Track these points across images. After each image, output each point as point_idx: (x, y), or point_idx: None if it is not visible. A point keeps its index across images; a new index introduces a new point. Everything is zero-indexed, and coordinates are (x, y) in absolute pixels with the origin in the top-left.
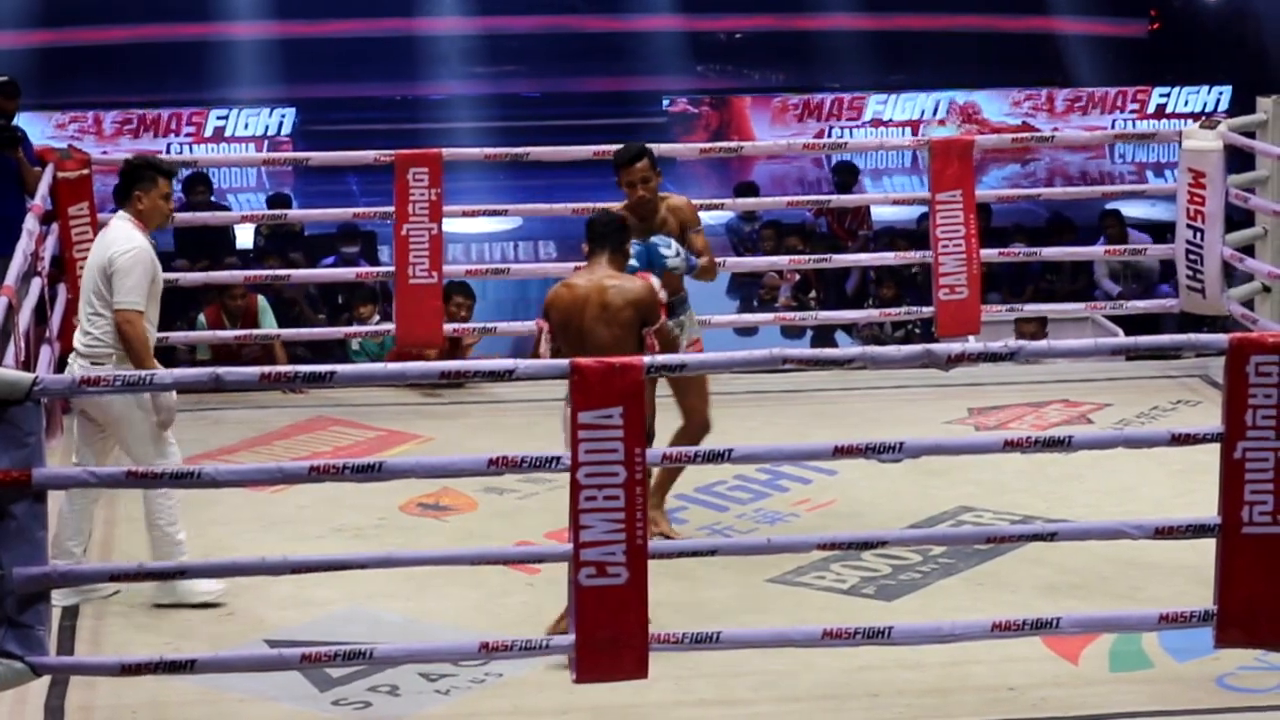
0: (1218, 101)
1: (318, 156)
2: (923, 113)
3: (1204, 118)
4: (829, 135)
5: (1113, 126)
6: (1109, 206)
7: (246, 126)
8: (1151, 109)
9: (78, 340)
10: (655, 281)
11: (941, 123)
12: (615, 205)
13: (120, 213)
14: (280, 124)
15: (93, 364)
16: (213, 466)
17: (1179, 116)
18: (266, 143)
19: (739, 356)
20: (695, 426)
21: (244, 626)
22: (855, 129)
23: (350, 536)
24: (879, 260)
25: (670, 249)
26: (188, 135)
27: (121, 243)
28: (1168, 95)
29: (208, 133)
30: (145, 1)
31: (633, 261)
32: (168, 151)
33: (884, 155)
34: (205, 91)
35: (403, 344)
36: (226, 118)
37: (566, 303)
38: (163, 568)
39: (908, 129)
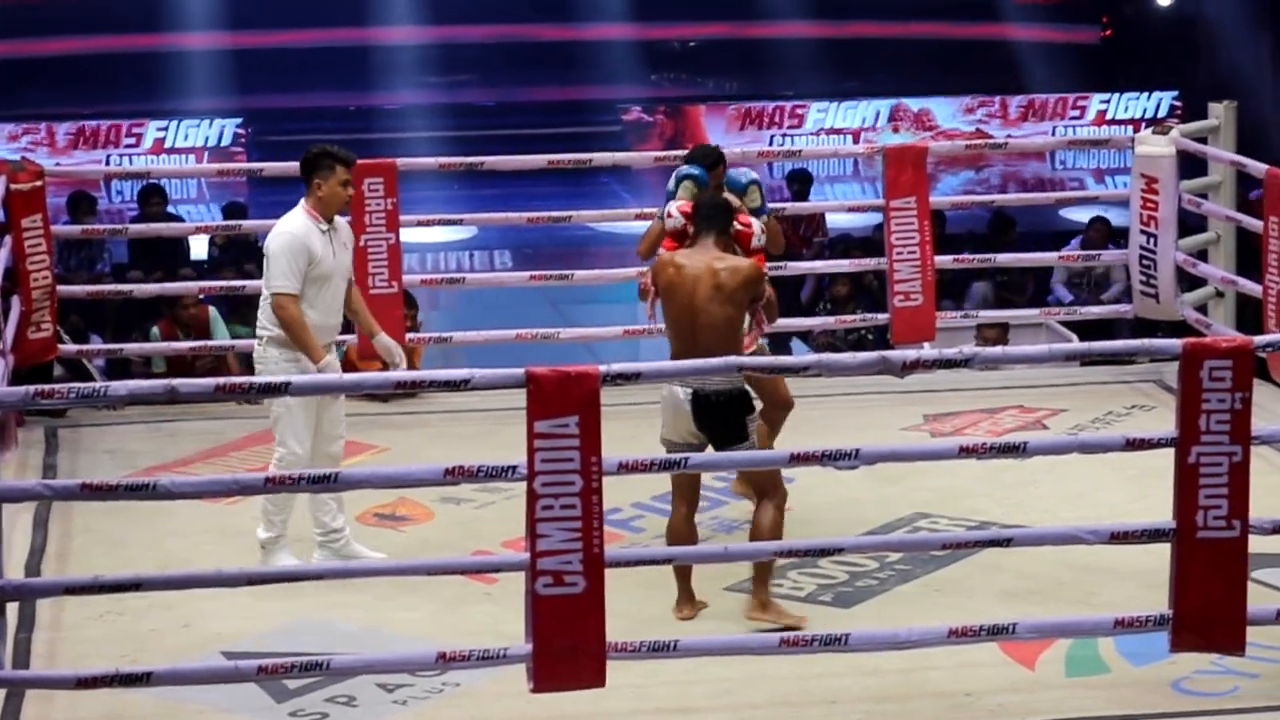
0: (1158, 107)
1: (271, 167)
2: (864, 120)
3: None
4: (771, 144)
5: (1053, 133)
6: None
7: (186, 138)
8: (1092, 115)
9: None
10: (756, 226)
11: (895, 129)
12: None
13: (302, 201)
14: (221, 135)
15: (258, 342)
16: (168, 478)
17: (1120, 123)
18: (207, 154)
19: (697, 364)
20: (777, 407)
21: (201, 638)
22: (799, 137)
23: (307, 547)
24: (833, 267)
25: (748, 173)
26: (127, 147)
27: (277, 229)
28: (1108, 101)
29: (147, 144)
30: (98, 12)
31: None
32: (107, 163)
33: (828, 162)
34: (158, 102)
35: (365, 355)
36: (166, 129)
37: (673, 279)
38: (118, 580)
39: (849, 137)
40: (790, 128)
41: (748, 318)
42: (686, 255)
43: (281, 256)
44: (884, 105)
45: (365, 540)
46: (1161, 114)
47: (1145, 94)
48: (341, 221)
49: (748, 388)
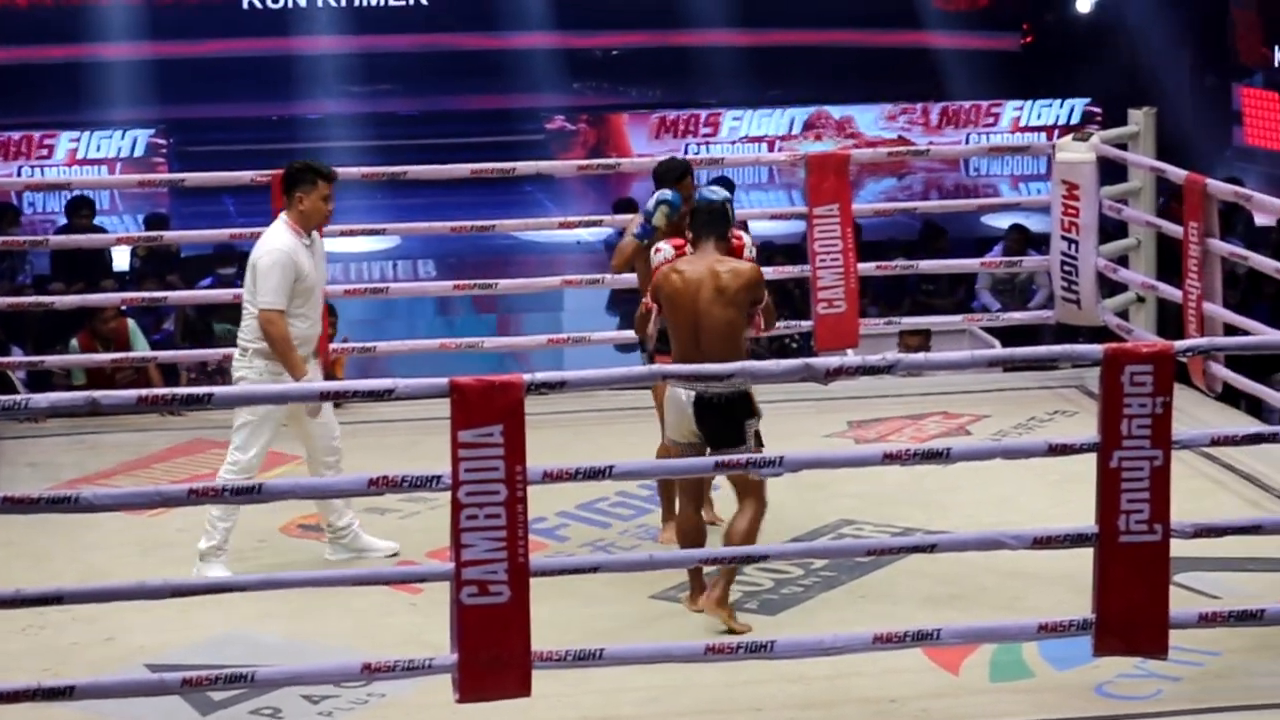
0: (1071, 114)
1: (193, 177)
2: (779, 128)
3: (1075, 130)
4: (687, 152)
5: (967, 141)
6: (987, 219)
7: (99, 149)
8: (1007, 122)
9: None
10: (747, 239)
11: (818, 136)
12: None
13: (282, 214)
14: (134, 145)
15: (240, 354)
16: (90, 491)
17: (1035, 130)
18: (120, 164)
19: (619, 373)
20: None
21: (124, 651)
22: (715, 145)
23: (231, 559)
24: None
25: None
26: (40, 159)
27: (266, 245)
28: (1022, 109)
29: (60, 156)
30: (18, 22)
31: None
32: (18, 174)
33: (745, 170)
34: (77, 114)
35: None
36: (79, 140)
37: (676, 287)
38: (40, 593)
39: (764, 145)
40: (705, 136)
41: None
42: (688, 261)
43: (272, 273)
44: (800, 113)
45: (290, 553)
46: (1075, 121)
47: (1059, 101)
48: (316, 235)
49: (750, 391)
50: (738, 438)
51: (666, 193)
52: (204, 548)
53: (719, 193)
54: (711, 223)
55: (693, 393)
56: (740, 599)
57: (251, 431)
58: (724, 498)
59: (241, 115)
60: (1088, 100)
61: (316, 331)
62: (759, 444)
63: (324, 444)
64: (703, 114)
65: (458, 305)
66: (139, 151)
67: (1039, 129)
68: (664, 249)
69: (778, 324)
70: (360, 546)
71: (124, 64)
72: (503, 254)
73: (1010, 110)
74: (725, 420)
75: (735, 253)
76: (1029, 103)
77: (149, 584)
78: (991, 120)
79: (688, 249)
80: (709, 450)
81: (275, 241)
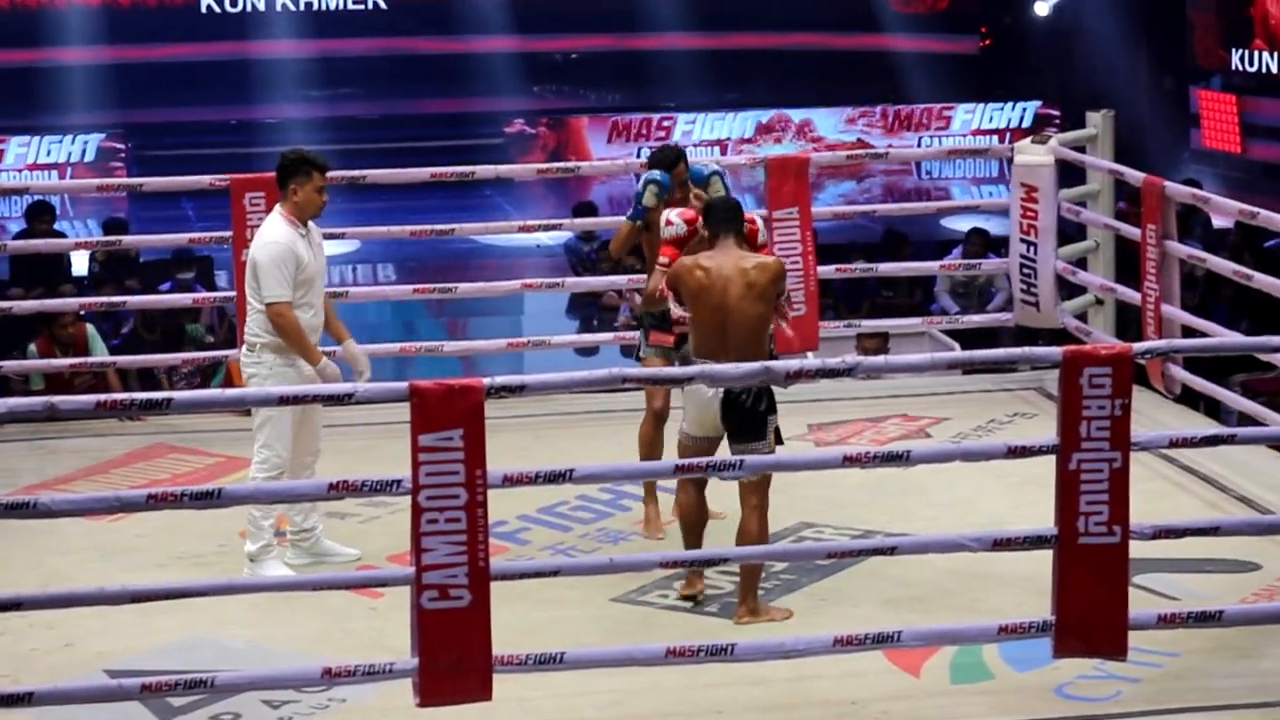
0: (1023, 117)
1: (152, 182)
2: (730, 131)
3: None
4: (639, 155)
5: (919, 144)
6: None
7: (49, 154)
8: (958, 126)
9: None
10: (759, 222)
11: (778, 140)
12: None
13: (278, 206)
14: (84, 150)
15: (247, 350)
16: (49, 496)
17: (986, 133)
18: (70, 169)
19: (579, 376)
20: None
21: (83, 657)
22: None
23: (190, 564)
24: None
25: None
26: None
27: (263, 239)
28: (973, 112)
29: (10, 161)
30: None
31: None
32: None
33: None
34: (35, 118)
35: None
36: (28, 145)
37: (703, 284)
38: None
39: (716, 148)
40: (659, 140)
41: None
42: (712, 258)
43: (272, 267)
44: (754, 116)
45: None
46: (1027, 124)
47: (1010, 104)
48: (313, 224)
49: (771, 388)
50: (760, 432)
51: (654, 173)
52: (253, 550)
53: (709, 166)
54: (729, 219)
55: (721, 389)
56: (702, 601)
57: (273, 426)
58: (713, 491)
59: (200, 119)
60: (1039, 103)
61: (320, 320)
62: (778, 439)
63: (310, 443)
64: (655, 117)
65: (417, 309)
66: (90, 156)
67: (990, 132)
68: (676, 222)
69: None
70: (320, 551)
71: (81, 68)
72: (462, 258)
73: (962, 114)
74: (750, 415)
75: (751, 237)
76: (980, 105)
77: (108, 590)
78: (943, 124)
79: (700, 222)
80: (729, 443)
81: (273, 235)
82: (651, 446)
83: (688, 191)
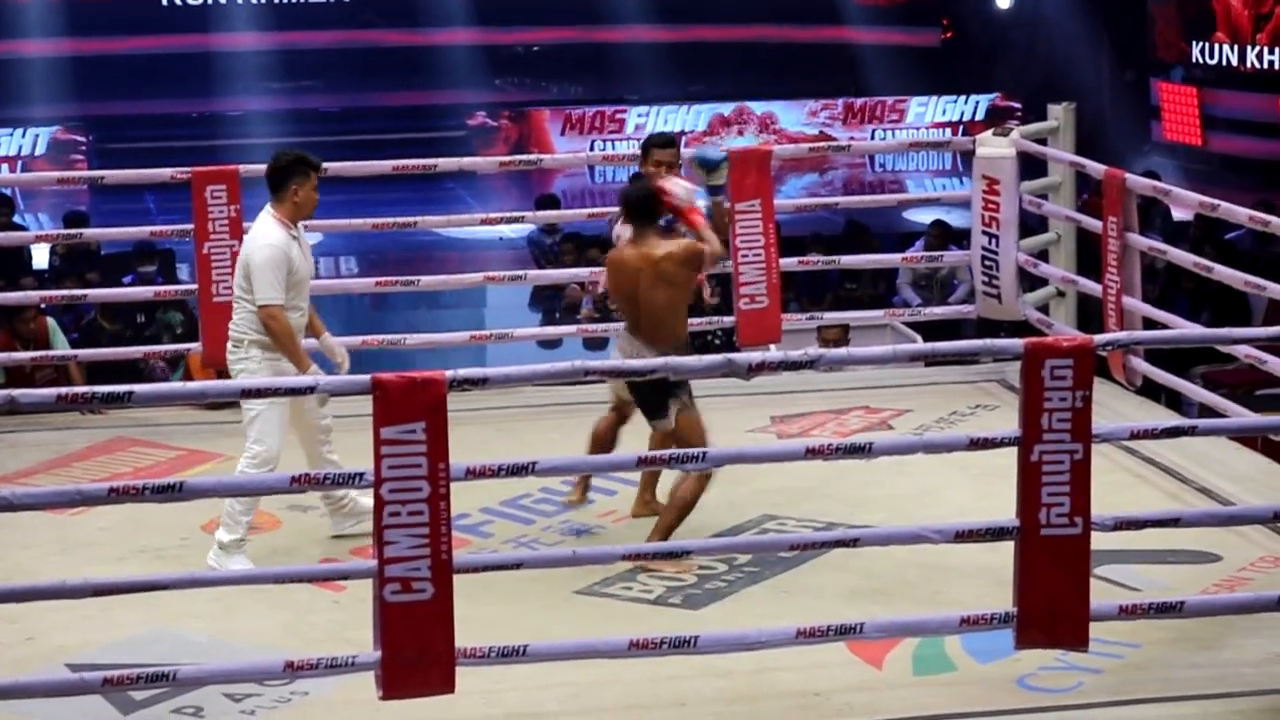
0: (975, 110)
1: (113, 174)
2: (684, 124)
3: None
4: (593, 148)
5: (872, 137)
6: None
7: (1, 147)
8: (912, 118)
9: (231, 324)
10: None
11: (740, 132)
12: None
13: (268, 207)
14: (35, 144)
15: (233, 345)
16: (9, 490)
17: (939, 126)
18: (20, 163)
19: (541, 369)
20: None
21: (45, 650)
22: (619, 142)
23: (152, 557)
24: None
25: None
26: None
27: (258, 241)
28: (926, 104)
29: None
30: None
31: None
32: None
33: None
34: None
35: (209, 363)
36: None
37: (618, 274)
38: None
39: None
40: (611, 133)
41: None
42: (628, 247)
43: (267, 269)
44: (706, 109)
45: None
46: (980, 117)
47: (964, 97)
48: (301, 226)
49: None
50: (661, 411)
51: (707, 150)
52: (226, 540)
53: (720, 154)
54: (641, 208)
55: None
56: (663, 594)
57: (264, 420)
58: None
59: (162, 112)
60: (994, 96)
61: (305, 320)
62: (685, 410)
63: (317, 425)
64: (609, 110)
65: (380, 302)
66: (40, 150)
67: (945, 125)
68: (624, 232)
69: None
70: (361, 511)
71: (42, 60)
72: (425, 250)
73: (915, 106)
74: (648, 396)
75: (682, 215)
76: (934, 98)
77: (70, 583)
78: (897, 117)
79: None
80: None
81: (268, 237)
82: (600, 442)
83: (676, 174)
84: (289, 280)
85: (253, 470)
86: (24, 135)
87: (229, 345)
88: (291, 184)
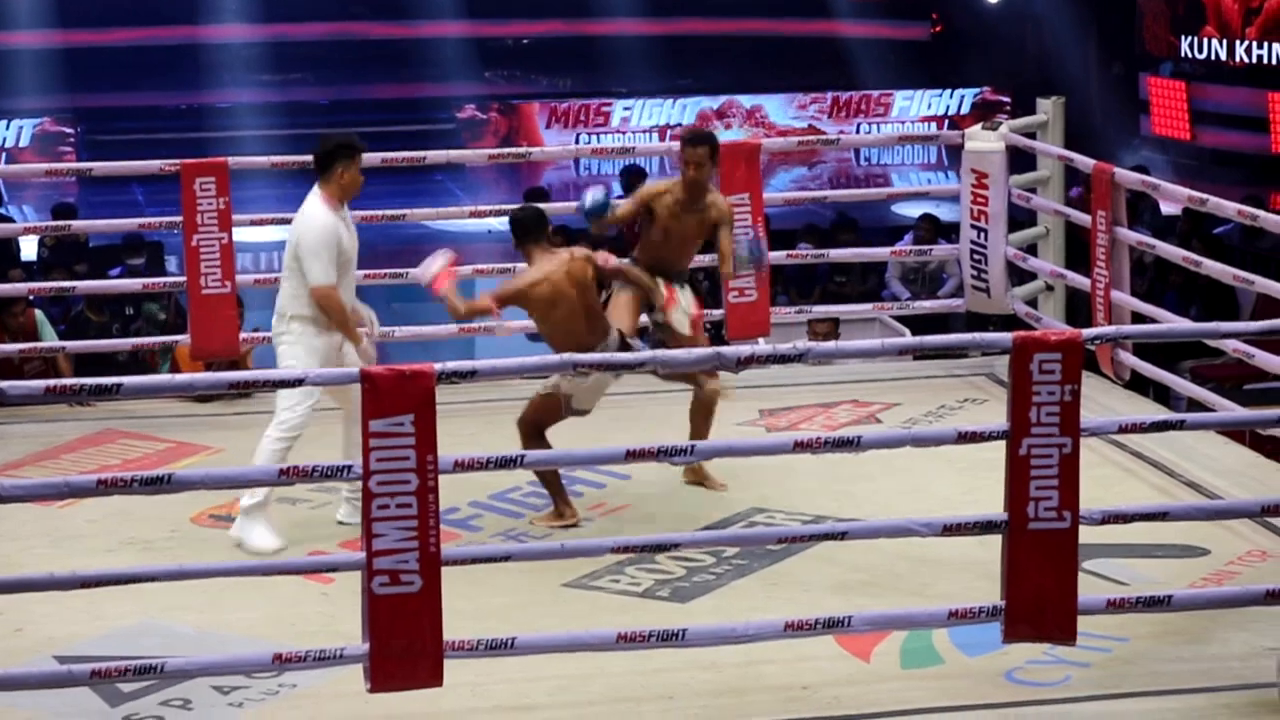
0: (960, 104)
1: (101, 166)
2: (669, 118)
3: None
4: (578, 141)
5: (858, 131)
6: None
7: None
8: (895, 112)
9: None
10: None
11: (728, 126)
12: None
13: (316, 188)
14: (19, 136)
15: (277, 318)
16: None
17: (925, 120)
18: (4, 155)
19: (531, 362)
20: (706, 392)
21: (32, 643)
22: (605, 135)
23: (140, 550)
24: None
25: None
26: None
27: (309, 223)
28: (911, 99)
29: None
30: None
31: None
32: None
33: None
34: None
35: (197, 355)
36: None
37: (547, 294)
38: None
39: (654, 135)
40: (596, 125)
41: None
42: (541, 268)
43: (319, 250)
44: (692, 103)
45: (201, 543)
46: (965, 111)
47: (949, 91)
48: (346, 206)
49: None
50: None
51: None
52: (248, 505)
53: (592, 199)
54: (532, 229)
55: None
56: (652, 587)
57: (301, 394)
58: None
59: (151, 104)
60: (978, 90)
61: (352, 299)
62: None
63: (349, 394)
64: (594, 103)
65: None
66: (24, 142)
67: (930, 119)
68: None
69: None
70: None
71: (30, 52)
72: (414, 243)
73: (900, 100)
74: None
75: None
76: (919, 92)
77: (58, 575)
78: (882, 110)
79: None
80: None
81: (318, 220)
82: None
83: (704, 174)
84: (339, 259)
85: (280, 436)
86: (7, 127)
87: (274, 318)
88: (337, 166)
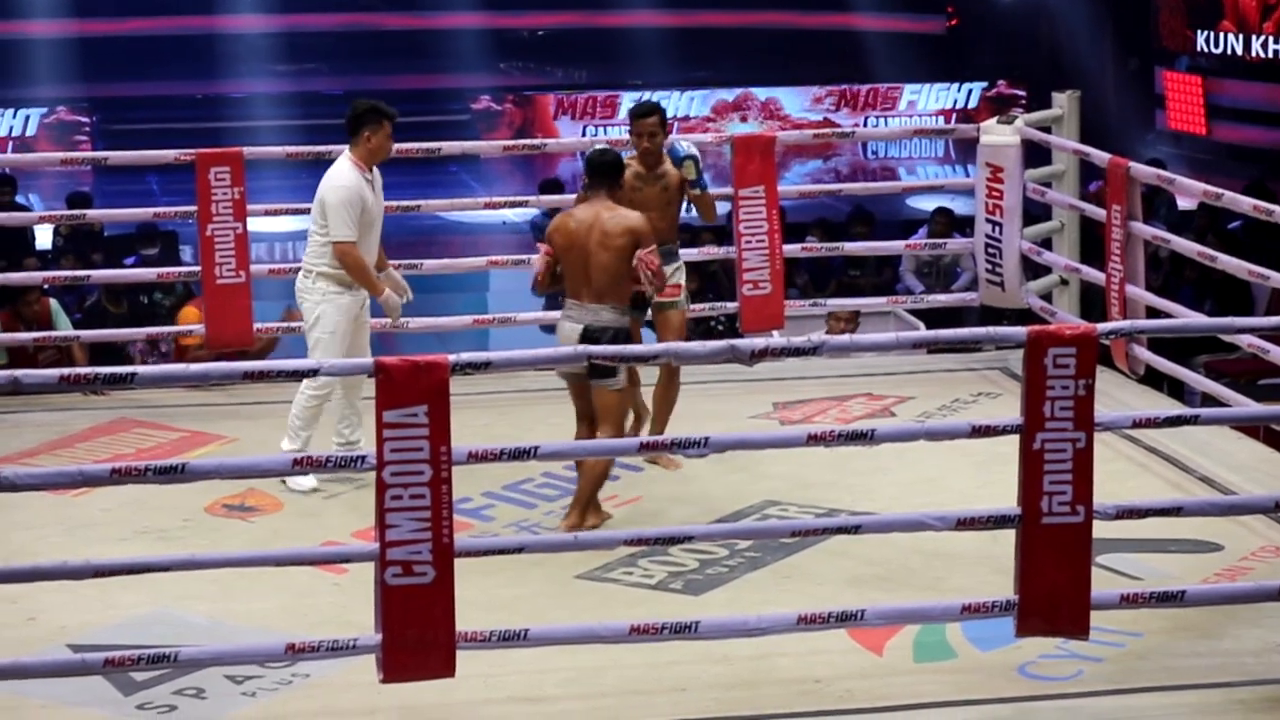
0: (967, 98)
1: (116, 156)
2: (688, 112)
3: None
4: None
5: (865, 124)
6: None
7: None
8: (903, 106)
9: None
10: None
11: (744, 118)
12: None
13: (346, 150)
14: (26, 124)
15: (303, 276)
16: (12, 470)
17: (931, 114)
18: (11, 144)
19: (544, 353)
20: (668, 372)
21: (46, 631)
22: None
23: (154, 539)
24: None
25: (689, 148)
26: None
27: (334, 182)
28: (919, 92)
29: None
30: None
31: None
32: None
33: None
34: (2, 91)
35: (213, 345)
36: None
37: (569, 231)
38: None
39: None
40: (603, 118)
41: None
42: (581, 208)
43: (341, 208)
44: (700, 96)
45: (214, 533)
46: (972, 105)
47: (956, 85)
48: (376, 170)
49: (629, 330)
50: (610, 370)
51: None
52: (288, 449)
53: (689, 149)
54: (603, 172)
55: (580, 325)
56: (665, 579)
57: (324, 349)
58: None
59: (166, 94)
60: (984, 84)
61: (374, 257)
62: (632, 383)
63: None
64: (600, 95)
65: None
66: (31, 131)
67: (936, 113)
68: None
69: (704, 305)
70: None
71: (47, 41)
72: (428, 234)
73: (908, 94)
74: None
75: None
76: (926, 86)
77: (71, 564)
78: (890, 105)
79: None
80: (589, 378)
81: (343, 179)
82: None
83: (656, 144)
84: (361, 219)
85: (312, 393)
86: (14, 116)
87: (300, 275)
88: (365, 130)
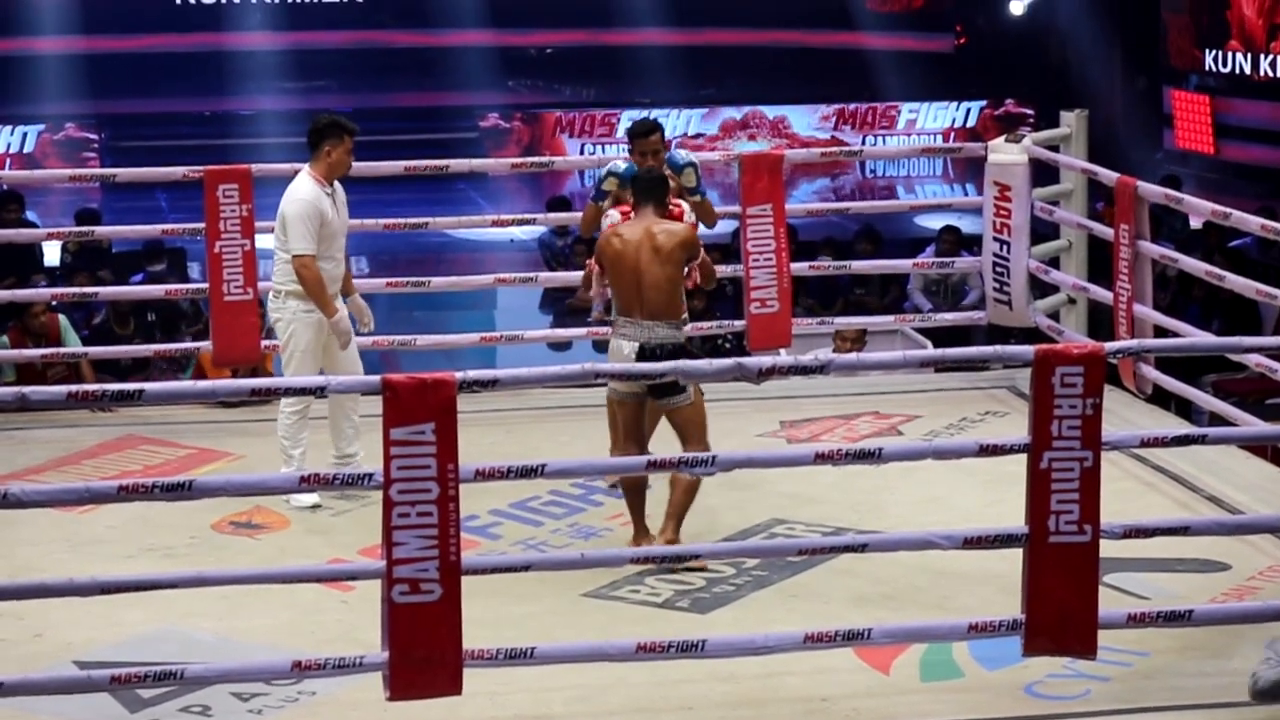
0: (966, 117)
1: (125, 173)
2: (696, 130)
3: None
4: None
5: (864, 143)
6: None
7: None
8: (901, 124)
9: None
10: (685, 206)
11: (752, 137)
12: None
13: (306, 166)
14: (24, 140)
15: (273, 296)
16: (19, 486)
17: (929, 133)
18: (9, 161)
19: (552, 371)
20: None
21: (53, 648)
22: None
23: (161, 556)
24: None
25: (688, 155)
26: None
27: (292, 196)
28: (917, 111)
29: None
30: None
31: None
32: None
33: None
34: (11, 107)
35: (220, 362)
36: None
37: (618, 249)
38: None
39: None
40: (601, 136)
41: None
42: (627, 226)
43: (298, 222)
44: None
45: (221, 550)
46: (970, 124)
47: (956, 103)
48: (338, 184)
49: (687, 344)
50: (678, 386)
51: (618, 164)
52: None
53: (687, 156)
54: (650, 190)
55: (636, 344)
56: (671, 597)
57: (297, 366)
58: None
59: (174, 110)
60: (985, 103)
61: (341, 271)
62: (700, 393)
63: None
64: (599, 113)
65: (391, 302)
66: (29, 148)
67: (934, 132)
68: (612, 214)
69: (712, 323)
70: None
71: (55, 58)
72: (436, 251)
73: (906, 113)
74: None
75: (674, 218)
76: (924, 105)
77: (78, 581)
78: (887, 124)
79: (631, 215)
80: (650, 400)
81: (300, 193)
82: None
83: (660, 161)
84: (321, 232)
85: (290, 411)
86: (12, 133)
87: (270, 296)
88: (326, 144)
